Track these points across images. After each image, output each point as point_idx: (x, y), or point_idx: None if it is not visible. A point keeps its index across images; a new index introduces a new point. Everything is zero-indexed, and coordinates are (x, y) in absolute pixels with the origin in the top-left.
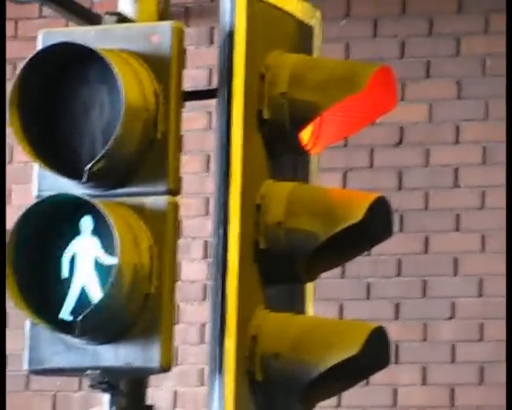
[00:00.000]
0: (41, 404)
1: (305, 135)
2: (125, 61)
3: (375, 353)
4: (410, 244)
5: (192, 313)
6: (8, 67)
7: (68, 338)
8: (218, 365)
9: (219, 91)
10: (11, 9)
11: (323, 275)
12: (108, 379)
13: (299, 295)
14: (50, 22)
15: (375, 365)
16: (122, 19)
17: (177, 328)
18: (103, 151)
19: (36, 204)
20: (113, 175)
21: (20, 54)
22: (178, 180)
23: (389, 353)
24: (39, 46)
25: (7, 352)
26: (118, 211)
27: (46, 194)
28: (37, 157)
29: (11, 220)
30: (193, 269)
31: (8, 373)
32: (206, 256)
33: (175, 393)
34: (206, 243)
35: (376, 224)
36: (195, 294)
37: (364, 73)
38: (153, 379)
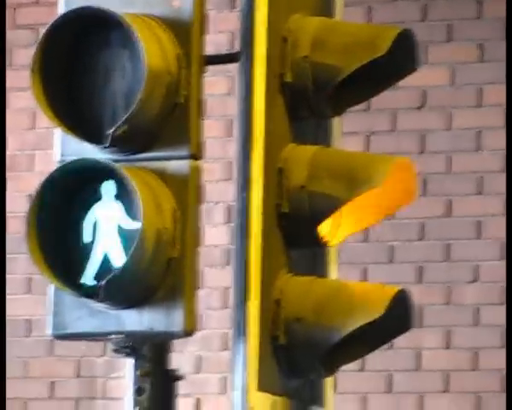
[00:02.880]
0: (65, 369)
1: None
2: (146, 26)
3: (399, 316)
4: (432, 208)
5: (214, 278)
6: (30, 33)
7: (92, 303)
8: (241, 329)
9: (241, 55)
10: None
11: (346, 239)
12: (132, 344)
13: (322, 259)
14: None
15: (398, 328)
16: None
17: (200, 293)
18: (126, 115)
19: (58, 169)
20: (136, 139)
21: (41, 19)
22: (201, 144)
23: (413, 316)
24: (61, 10)
25: (30, 317)
26: (140, 175)
27: (69, 159)
28: (59, 122)
29: (34, 186)
30: (215, 234)
31: (31, 339)
32: (228, 221)
33: (198, 357)
34: (228, 207)
35: (399, 188)
36: (218, 258)
37: (387, 36)
38: (176, 344)
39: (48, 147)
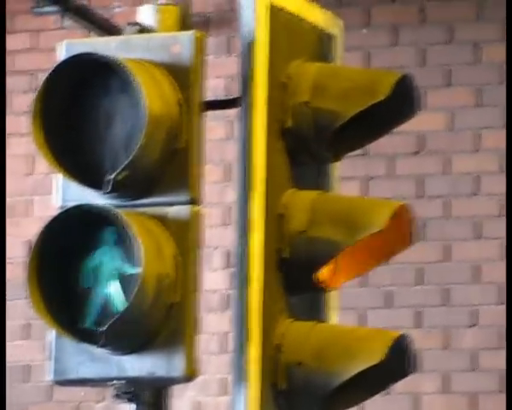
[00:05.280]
0: None
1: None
2: (146, 71)
3: (399, 361)
4: (430, 252)
5: (213, 323)
6: (29, 78)
7: (92, 349)
8: (241, 374)
9: (241, 101)
10: (31, 21)
11: (344, 284)
12: (133, 389)
13: (322, 304)
14: (70, 33)
15: (398, 373)
16: (143, 29)
17: (199, 338)
18: (126, 161)
19: (59, 215)
20: (136, 185)
21: (40, 65)
22: (201, 189)
23: (412, 361)
24: (61, 57)
25: (29, 363)
26: (141, 221)
27: (69, 204)
28: (60, 167)
29: (33, 231)
30: (214, 279)
31: (30, 384)
32: (227, 266)
33: (197, 403)
34: (227, 252)
35: (399, 233)
36: (217, 303)
37: (386, 81)
38: (174, 389)
39: (46, 192)
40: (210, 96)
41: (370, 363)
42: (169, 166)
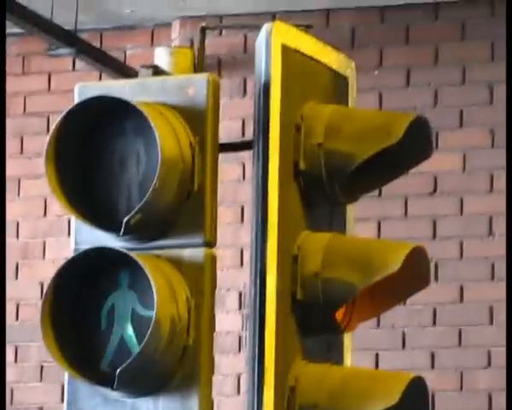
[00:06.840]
0: None
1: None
2: (160, 114)
3: (414, 403)
4: (445, 293)
5: (227, 365)
6: (42, 120)
7: (107, 391)
8: None
9: (255, 142)
10: (44, 63)
11: (359, 325)
12: None
13: (337, 346)
14: (83, 75)
15: None
16: (157, 71)
17: (213, 380)
18: (140, 204)
19: (73, 258)
20: (150, 228)
21: (53, 107)
22: (215, 232)
23: (428, 403)
24: (75, 99)
25: (43, 405)
26: (155, 263)
27: (83, 247)
28: (74, 210)
29: (46, 273)
30: (228, 320)
31: None
32: (240, 307)
33: None
34: (240, 294)
35: (413, 274)
36: (230, 345)
37: (400, 123)
38: None
39: (60, 234)
40: (224, 137)
41: (386, 405)
42: (183, 209)
